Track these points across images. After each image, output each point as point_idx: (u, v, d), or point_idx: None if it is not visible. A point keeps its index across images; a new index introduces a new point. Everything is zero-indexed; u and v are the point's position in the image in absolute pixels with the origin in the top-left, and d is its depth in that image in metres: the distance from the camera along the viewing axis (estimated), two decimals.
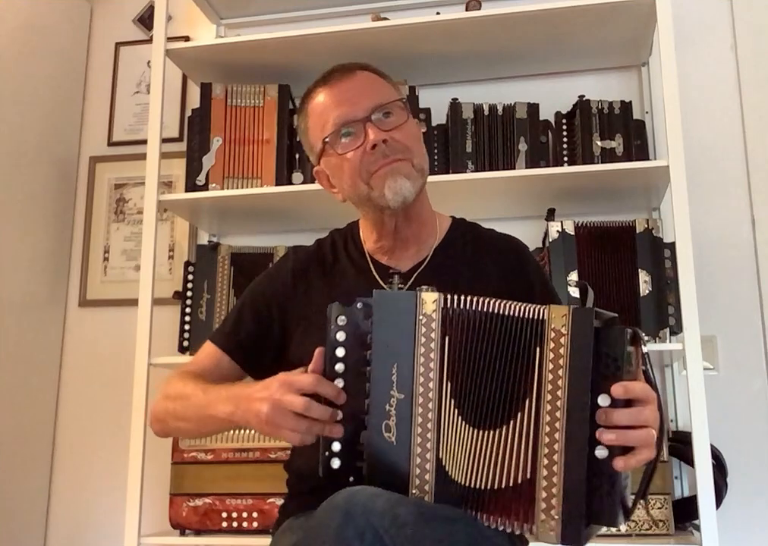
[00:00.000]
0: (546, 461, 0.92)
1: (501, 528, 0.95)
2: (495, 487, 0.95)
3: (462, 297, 0.99)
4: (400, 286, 1.27)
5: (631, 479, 0.94)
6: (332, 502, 0.92)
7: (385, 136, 1.20)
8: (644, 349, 0.94)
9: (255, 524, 1.76)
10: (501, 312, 0.97)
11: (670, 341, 1.79)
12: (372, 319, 1.00)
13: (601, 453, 0.90)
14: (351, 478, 0.99)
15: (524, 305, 0.97)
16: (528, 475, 0.93)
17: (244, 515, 1.77)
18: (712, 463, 1.62)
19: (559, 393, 0.92)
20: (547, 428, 0.93)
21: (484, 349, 0.97)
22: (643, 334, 0.94)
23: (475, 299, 0.99)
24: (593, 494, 0.90)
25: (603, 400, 0.91)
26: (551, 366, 0.93)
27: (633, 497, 0.95)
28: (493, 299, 0.98)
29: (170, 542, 1.84)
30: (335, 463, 0.99)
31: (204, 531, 1.80)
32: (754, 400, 1.96)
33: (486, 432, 0.97)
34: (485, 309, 0.98)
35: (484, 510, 0.96)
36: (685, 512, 1.74)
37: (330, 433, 0.99)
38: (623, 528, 1.65)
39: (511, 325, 0.96)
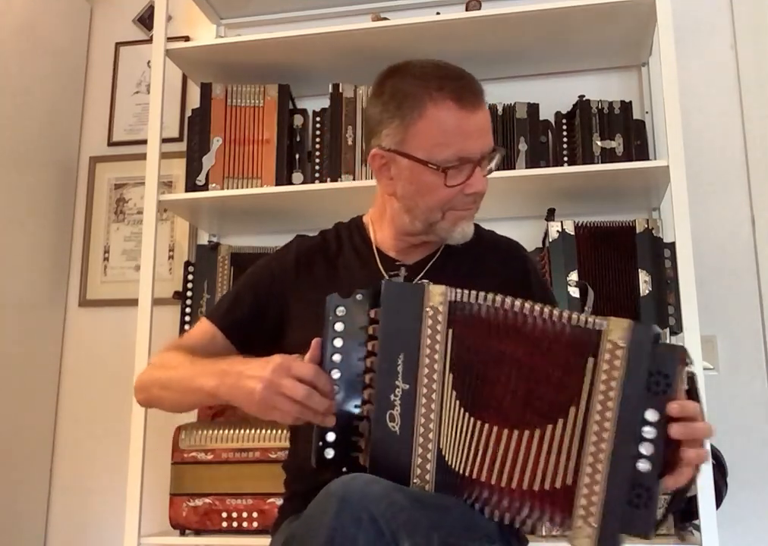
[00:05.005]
0: (589, 469, 0.92)
1: (518, 525, 0.95)
2: (524, 487, 0.95)
3: (473, 292, 0.99)
4: (405, 275, 1.28)
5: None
6: (327, 490, 0.92)
7: (485, 189, 1.23)
8: (691, 369, 0.94)
9: (255, 524, 1.76)
10: (541, 315, 0.97)
11: (670, 341, 1.79)
12: (380, 309, 0.99)
13: (644, 466, 0.90)
14: (344, 469, 0.99)
15: (575, 313, 0.96)
16: (569, 481, 0.93)
17: (244, 515, 1.76)
18: (713, 463, 1.62)
19: (610, 404, 0.92)
20: (594, 438, 0.92)
21: (503, 349, 0.97)
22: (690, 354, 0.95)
23: (498, 297, 0.98)
24: (631, 505, 0.91)
25: (652, 416, 0.91)
26: (604, 377, 0.93)
27: (662, 510, 0.95)
28: (524, 301, 0.98)
29: (170, 542, 1.84)
30: (329, 454, 0.99)
31: (204, 531, 1.79)
32: (754, 400, 1.96)
33: (510, 432, 0.96)
34: (507, 308, 0.98)
35: (493, 506, 0.96)
36: (685, 512, 1.74)
37: (323, 423, 0.99)
38: None
39: (559, 331, 0.96)
